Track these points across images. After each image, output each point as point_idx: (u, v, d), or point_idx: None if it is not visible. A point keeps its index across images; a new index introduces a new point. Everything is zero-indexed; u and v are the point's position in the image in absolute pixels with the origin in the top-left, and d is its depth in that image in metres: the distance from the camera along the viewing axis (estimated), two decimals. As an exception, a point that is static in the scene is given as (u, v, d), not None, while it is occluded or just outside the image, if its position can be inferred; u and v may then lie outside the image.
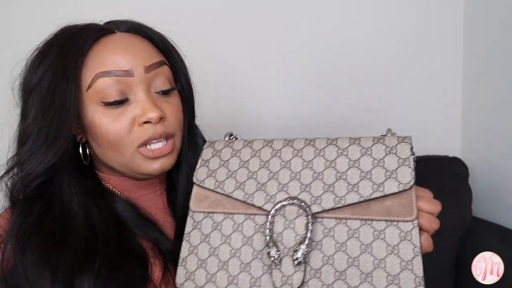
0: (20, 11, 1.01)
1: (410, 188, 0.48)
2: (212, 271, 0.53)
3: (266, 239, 0.50)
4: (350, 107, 1.18)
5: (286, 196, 0.52)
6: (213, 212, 0.56)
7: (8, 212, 0.59)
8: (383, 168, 0.50)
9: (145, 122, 0.58)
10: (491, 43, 1.09)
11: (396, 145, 0.51)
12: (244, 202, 0.54)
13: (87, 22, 0.62)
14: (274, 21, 1.13)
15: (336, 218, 0.50)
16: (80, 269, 0.52)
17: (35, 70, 0.59)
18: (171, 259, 0.60)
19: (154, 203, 0.67)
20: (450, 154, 1.14)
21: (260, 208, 0.53)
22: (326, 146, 0.54)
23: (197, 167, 0.60)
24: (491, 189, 1.11)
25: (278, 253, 0.49)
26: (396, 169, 0.49)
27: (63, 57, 0.57)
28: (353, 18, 1.17)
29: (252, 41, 1.13)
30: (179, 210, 0.66)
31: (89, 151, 0.64)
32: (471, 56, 1.17)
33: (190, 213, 0.58)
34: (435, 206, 0.50)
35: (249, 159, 0.57)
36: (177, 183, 0.68)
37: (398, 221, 0.48)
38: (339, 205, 0.50)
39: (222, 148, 0.60)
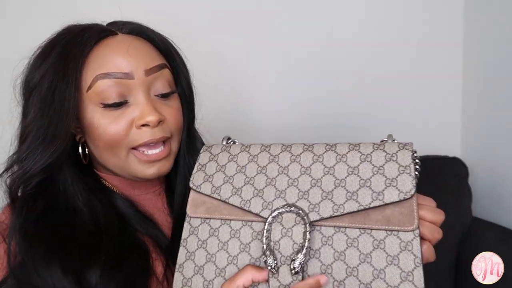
0: (22, 9, 1.01)
1: (411, 197, 0.47)
2: (209, 278, 0.52)
3: (263, 247, 0.49)
4: (350, 108, 1.18)
5: (284, 203, 0.51)
6: (210, 218, 0.55)
7: (8, 209, 0.59)
8: (383, 175, 0.49)
9: (143, 125, 0.58)
10: (491, 43, 1.08)
11: (397, 152, 0.50)
12: (241, 208, 0.53)
13: (90, 22, 0.62)
14: (274, 22, 1.13)
15: (334, 227, 0.49)
16: (88, 261, 0.53)
17: (37, 68, 0.58)
18: (171, 257, 0.60)
19: (153, 203, 0.67)
20: (450, 154, 1.14)
21: (257, 215, 0.52)
22: (325, 152, 0.53)
23: (193, 171, 0.59)
24: (491, 189, 1.11)
25: (275, 261, 0.48)
26: (397, 177, 0.48)
27: (64, 57, 0.57)
28: (353, 19, 1.17)
29: (252, 41, 1.12)
30: (176, 212, 0.66)
31: (87, 151, 0.64)
32: (471, 57, 1.17)
33: (187, 219, 0.57)
34: (438, 216, 0.49)
35: (246, 164, 0.56)
36: (175, 185, 0.68)
37: (398, 231, 0.46)
38: (338, 213, 0.48)
39: (219, 153, 0.59)
